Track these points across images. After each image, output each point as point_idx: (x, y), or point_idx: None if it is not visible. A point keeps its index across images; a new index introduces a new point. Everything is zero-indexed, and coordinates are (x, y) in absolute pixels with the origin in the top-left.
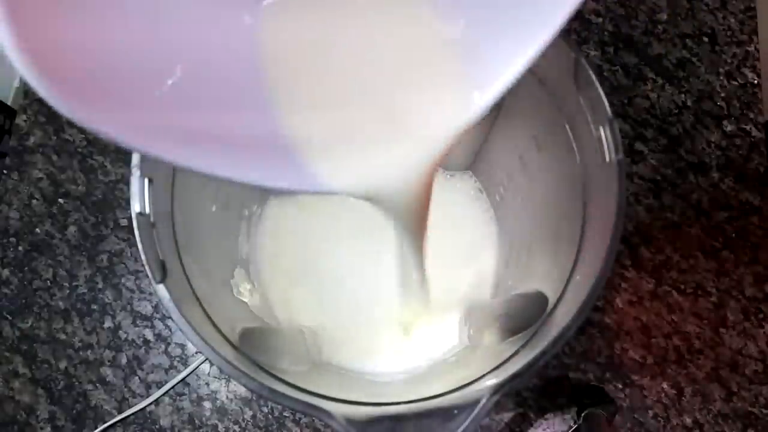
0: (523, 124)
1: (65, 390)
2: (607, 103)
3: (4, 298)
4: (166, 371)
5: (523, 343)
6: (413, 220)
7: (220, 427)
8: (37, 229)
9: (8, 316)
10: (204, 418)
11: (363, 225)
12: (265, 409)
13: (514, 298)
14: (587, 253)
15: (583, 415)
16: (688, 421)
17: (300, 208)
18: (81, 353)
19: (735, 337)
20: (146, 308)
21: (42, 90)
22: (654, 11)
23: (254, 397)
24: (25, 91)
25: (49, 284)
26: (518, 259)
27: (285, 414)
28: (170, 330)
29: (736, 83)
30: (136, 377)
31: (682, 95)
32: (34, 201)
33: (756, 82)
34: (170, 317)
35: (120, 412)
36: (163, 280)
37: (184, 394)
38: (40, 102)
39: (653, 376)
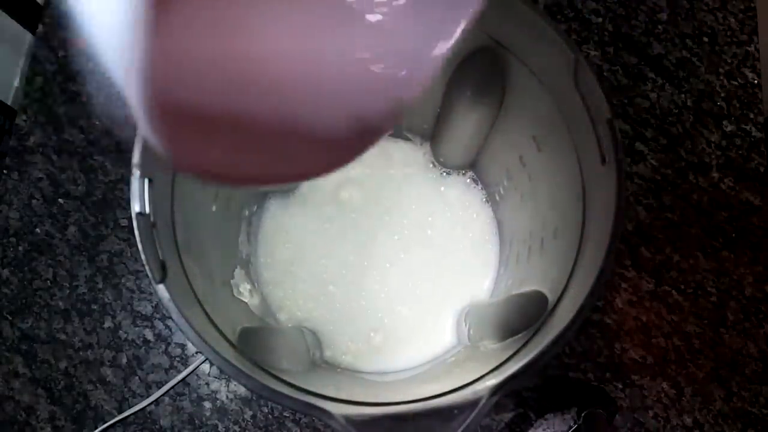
0: (523, 124)
1: (65, 390)
2: (606, 103)
3: (4, 298)
4: (166, 371)
5: (523, 343)
6: None
7: (220, 427)
8: (37, 229)
9: (8, 316)
10: (204, 418)
11: (363, 225)
12: (265, 409)
13: (514, 298)
14: (587, 253)
15: (583, 415)
16: (688, 421)
17: (300, 207)
18: (81, 353)
19: (735, 337)
20: (146, 308)
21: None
22: (654, 11)
23: (254, 397)
24: (25, 91)
25: (49, 284)
26: (518, 259)
27: (285, 414)
28: (170, 330)
29: (736, 83)
30: (136, 377)
31: (682, 95)
32: (34, 201)
33: (756, 82)
34: (170, 317)
35: (120, 412)
36: (163, 280)
37: (184, 394)
38: (40, 102)
39: (653, 376)
